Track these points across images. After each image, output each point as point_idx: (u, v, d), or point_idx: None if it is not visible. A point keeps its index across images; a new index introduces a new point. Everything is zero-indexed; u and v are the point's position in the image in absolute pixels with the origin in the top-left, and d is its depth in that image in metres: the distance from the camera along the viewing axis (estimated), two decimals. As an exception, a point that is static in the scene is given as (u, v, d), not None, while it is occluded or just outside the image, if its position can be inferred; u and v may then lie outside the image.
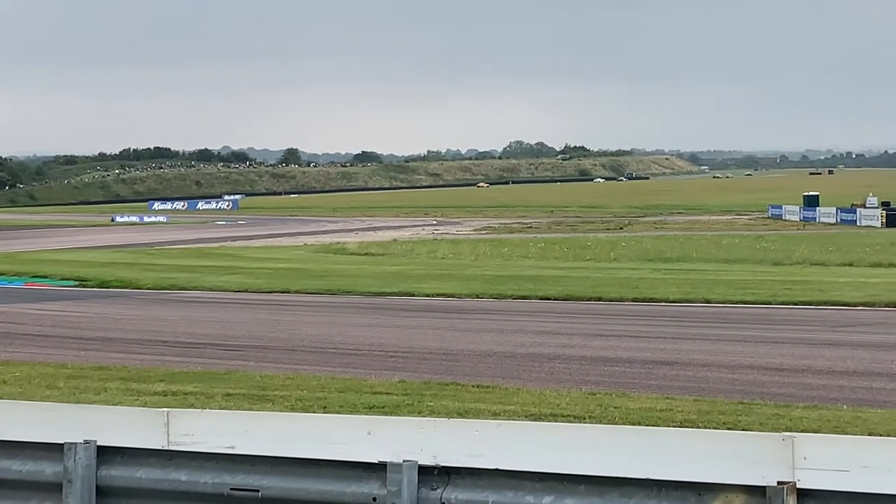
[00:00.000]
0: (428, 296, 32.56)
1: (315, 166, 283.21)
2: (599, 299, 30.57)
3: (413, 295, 32.85)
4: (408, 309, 29.33)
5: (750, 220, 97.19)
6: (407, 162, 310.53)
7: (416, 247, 58.13)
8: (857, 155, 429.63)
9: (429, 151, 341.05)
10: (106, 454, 7.20)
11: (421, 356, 20.13)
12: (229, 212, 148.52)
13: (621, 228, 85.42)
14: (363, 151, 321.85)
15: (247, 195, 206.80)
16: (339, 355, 20.45)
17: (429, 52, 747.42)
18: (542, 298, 31.18)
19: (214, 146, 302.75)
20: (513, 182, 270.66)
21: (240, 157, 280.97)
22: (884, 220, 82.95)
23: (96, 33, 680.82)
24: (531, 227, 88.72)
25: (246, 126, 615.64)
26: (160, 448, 7.09)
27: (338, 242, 64.93)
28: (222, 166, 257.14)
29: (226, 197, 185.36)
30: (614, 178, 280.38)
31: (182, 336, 23.79)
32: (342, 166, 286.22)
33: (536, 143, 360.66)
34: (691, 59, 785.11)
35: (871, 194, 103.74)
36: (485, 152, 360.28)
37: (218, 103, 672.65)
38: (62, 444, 7.17)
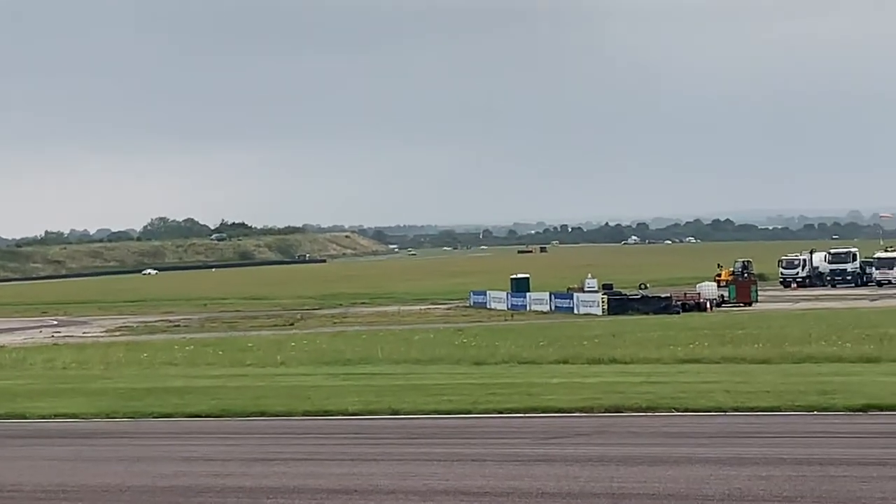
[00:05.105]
0: (43, 417, 31.93)
1: None
2: (262, 414, 30.60)
3: (24, 417, 32.14)
4: (16, 436, 28.53)
5: (448, 309, 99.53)
6: (19, 246, 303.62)
7: (30, 355, 56.95)
8: (573, 228, 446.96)
9: (47, 233, 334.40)
10: None
11: (32, 497, 19.53)
12: None
13: (291, 324, 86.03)
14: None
15: None
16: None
17: (47, 105, 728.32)
18: (190, 416, 31.07)
19: None
20: (157, 270, 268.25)
21: None
22: (605, 307, 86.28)
23: None
24: (178, 326, 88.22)
25: None
26: None
27: (-75, 353, 62.53)
28: None
29: None
30: (284, 262, 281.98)
31: None
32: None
33: (185, 221, 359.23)
34: (366, 116, 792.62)
35: (589, 275, 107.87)
36: (120, 232, 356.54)
37: None
38: None
